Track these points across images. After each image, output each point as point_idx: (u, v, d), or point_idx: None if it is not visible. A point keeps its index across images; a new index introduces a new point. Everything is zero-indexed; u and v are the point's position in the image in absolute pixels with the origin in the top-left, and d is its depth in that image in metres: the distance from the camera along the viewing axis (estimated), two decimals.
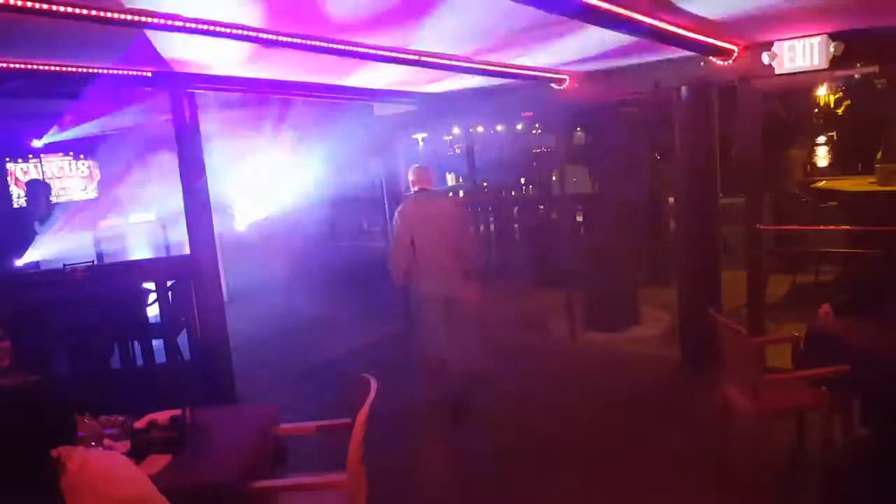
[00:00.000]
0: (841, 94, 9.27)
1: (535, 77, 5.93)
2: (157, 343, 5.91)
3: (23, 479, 1.83)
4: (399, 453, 4.47)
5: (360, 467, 3.15)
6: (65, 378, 5.43)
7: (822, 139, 9.88)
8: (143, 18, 3.16)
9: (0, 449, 1.85)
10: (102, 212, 8.22)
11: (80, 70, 4.45)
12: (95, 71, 4.50)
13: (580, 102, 6.28)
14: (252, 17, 3.43)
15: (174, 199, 5.70)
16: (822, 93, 9.16)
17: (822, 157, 9.88)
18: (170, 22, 3.25)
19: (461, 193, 11.11)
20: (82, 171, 8.39)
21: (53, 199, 8.01)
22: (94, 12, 3.02)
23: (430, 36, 4.09)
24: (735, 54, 5.04)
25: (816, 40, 4.70)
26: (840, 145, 9.81)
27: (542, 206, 9.50)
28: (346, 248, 10.75)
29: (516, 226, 9.53)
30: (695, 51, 4.89)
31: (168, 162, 6.27)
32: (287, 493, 3.12)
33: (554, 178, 8.73)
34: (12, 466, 1.83)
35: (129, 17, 3.11)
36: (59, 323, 5.38)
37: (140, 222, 8.38)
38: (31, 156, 7.83)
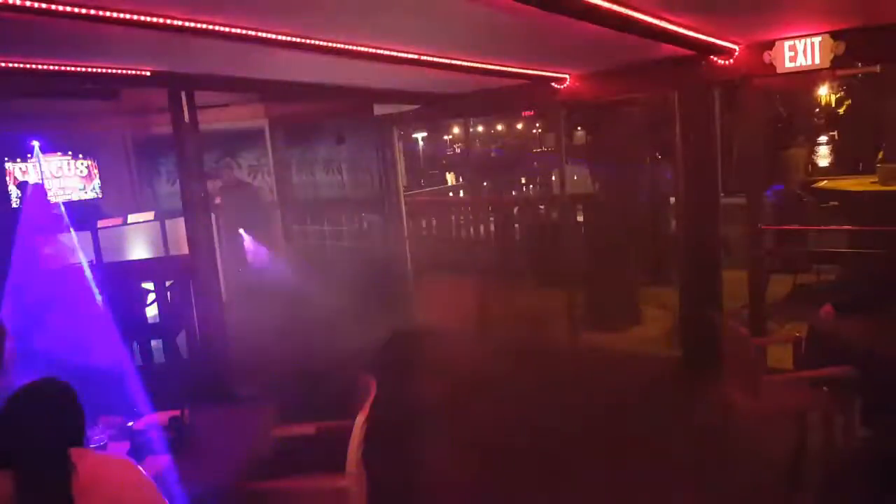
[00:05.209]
0: (842, 93, 9.28)
1: (536, 77, 5.92)
2: (155, 343, 5.89)
3: (35, 478, 1.82)
4: (400, 454, 4.47)
5: (359, 469, 3.14)
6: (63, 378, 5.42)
7: (823, 138, 9.89)
8: (143, 18, 3.15)
9: (14, 449, 1.84)
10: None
11: (79, 70, 4.44)
12: (94, 70, 4.49)
13: (581, 102, 6.27)
14: None
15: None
16: (824, 92, 9.16)
17: (823, 156, 9.88)
18: (169, 21, 3.24)
19: (461, 193, 11.11)
20: (81, 171, 8.37)
21: (51, 199, 8.00)
22: (93, 12, 3.00)
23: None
24: (736, 53, 5.03)
25: (818, 39, 4.69)
26: (841, 145, 9.81)
27: (542, 207, 9.50)
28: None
29: (516, 226, 9.53)
30: (696, 50, 4.88)
31: None
32: (286, 495, 3.11)
33: (554, 178, 8.72)
34: (27, 466, 1.83)
35: (128, 16, 3.10)
36: (58, 323, 5.36)
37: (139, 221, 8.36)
38: (29, 155, 7.81)
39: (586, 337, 6.67)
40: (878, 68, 7.12)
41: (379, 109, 7.83)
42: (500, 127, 30.61)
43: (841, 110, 9.77)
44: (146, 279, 6.02)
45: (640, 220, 7.43)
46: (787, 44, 4.82)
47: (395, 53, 4.40)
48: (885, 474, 3.67)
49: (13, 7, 2.83)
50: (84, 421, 2.05)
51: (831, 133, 10.46)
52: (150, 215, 8.29)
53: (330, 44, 4.00)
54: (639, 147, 7.23)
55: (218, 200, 8.39)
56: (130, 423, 3.07)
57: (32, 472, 1.83)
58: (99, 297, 5.45)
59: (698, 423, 4.53)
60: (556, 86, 6.14)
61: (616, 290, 6.86)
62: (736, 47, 4.98)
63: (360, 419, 3.07)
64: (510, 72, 5.53)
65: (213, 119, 7.93)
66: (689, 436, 4.43)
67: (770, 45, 4.89)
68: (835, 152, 10.31)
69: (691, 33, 4.24)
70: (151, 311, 6.06)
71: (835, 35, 4.63)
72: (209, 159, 8.21)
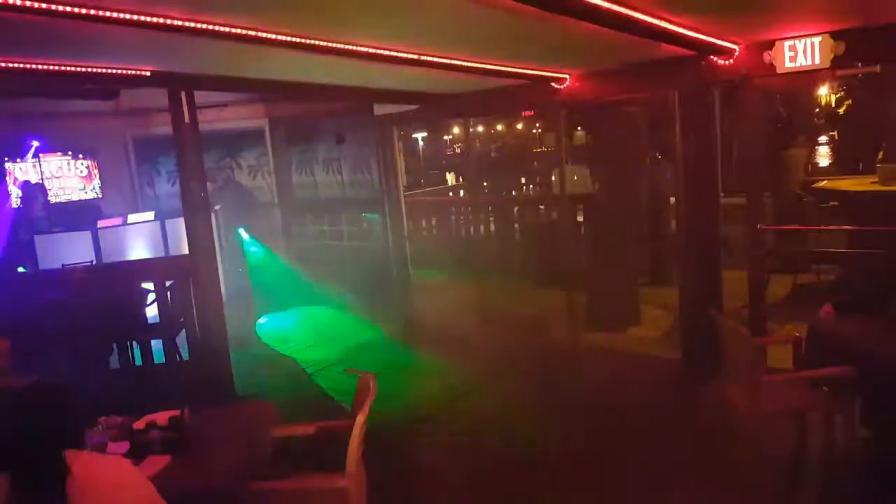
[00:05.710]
0: (842, 93, 9.28)
1: (536, 77, 5.92)
2: (155, 343, 5.89)
3: (30, 480, 1.82)
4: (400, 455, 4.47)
5: (359, 469, 3.14)
6: (64, 379, 5.42)
7: (823, 138, 9.89)
8: (143, 18, 3.15)
9: (9, 451, 1.84)
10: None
11: (79, 70, 4.44)
12: (94, 70, 4.49)
13: (581, 102, 6.27)
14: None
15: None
16: (824, 92, 9.16)
17: (823, 156, 9.89)
18: (169, 21, 3.24)
19: (461, 193, 11.11)
20: (81, 171, 8.37)
21: (51, 199, 8.00)
22: (93, 12, 3.00)
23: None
24: (736, 53, 5.03)
25: (818, 39, 4.68)
26: (841, 145, 9.81)
27: (542, 207, 9.50)
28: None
29: (516, 226, 9.53)
30: (696, 50, 4.87)
31: None
32: (286, 495, 3.11)
33: (554, 178, 8.72)
34: (21, 468, 1.83)
35: (128, 16, 3.10)
36: (58, 323, 5.36)
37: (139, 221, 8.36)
38: (29, 155, 7.81)
39: (586, 337, 6.67)
40: (878, 68, 7.13)
41: (379, 109, 7.83)
42: (500, 127, 30.64)
43: (841, 110, 9.78)
44: (146, 279, 6.01)
45: (640, 220, 7.43)
46: (787, 44, 4.82)
47: (395, 53, 4.40)
48: (885, 474, 3.67)
49: (13, 7, 2.83)
50: (79, 423, 2.04)
51: (831, 133, 10.47)
52: (150, 215, 8.29)
53: (330, 44, 4.00)
54: (639, 147, 7.23)
55: (217, 208, 8.41)
56: (130, 423, 3.06)
57: (28, 474, 1.83)
58: None
59: (698, 424, 4.52)
60: (556, 86, 6.14)
61: (616, 290, 6.85)
62: (736, 47, 4.98)
63: (360, 419, 3.07)
64: (510, 72, 5.53)
65: (213, 119, 7.94)
66: (690, 436, 4.43)
67: (770, 45, 4.89)
68: (835, 152, 10.32)
69: (691, 33, 4.24)
70: (151, 311, 6.06)
71: (835, 35, 4.63)
72: (209, 159, 8.22)
